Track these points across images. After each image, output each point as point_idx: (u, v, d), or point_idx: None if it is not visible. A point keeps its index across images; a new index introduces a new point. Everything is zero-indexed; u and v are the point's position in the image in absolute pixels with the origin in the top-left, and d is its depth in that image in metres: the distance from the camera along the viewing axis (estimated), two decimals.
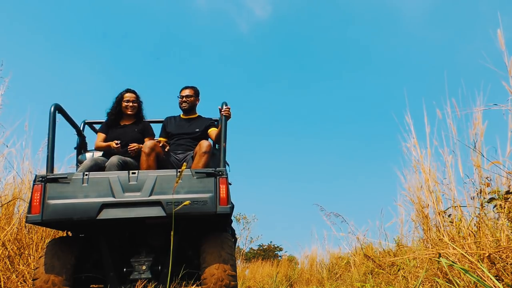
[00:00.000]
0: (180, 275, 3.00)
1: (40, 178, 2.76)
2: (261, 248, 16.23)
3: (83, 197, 2.74)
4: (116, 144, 3.32)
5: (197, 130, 3.73)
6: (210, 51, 18.03)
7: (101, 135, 3.60)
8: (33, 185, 2.75)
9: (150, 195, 2.78)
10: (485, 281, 1.84)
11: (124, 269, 3.11)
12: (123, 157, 3.25)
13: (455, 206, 3.02)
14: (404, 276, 3.42)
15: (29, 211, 2.70)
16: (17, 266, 3.68)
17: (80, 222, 2.76)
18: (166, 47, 17.52)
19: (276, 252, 16.41)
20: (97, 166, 3.17)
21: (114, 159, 3.16)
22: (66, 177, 2.80)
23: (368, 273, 4.80)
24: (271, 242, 16.60)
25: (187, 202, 2.24)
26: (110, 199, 2.76)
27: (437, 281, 2.59)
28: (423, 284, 2.84)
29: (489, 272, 2.08)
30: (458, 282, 2.31)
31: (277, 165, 16.87)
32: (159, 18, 17.33)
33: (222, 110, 3.31)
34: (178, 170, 2.95)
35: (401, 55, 17.26)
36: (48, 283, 2.77)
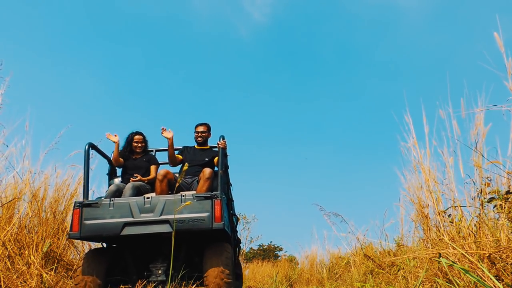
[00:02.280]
0: (179, 275, 3.58)
1: (78, 204, 3.52)
2: (261, 248, 16.24)
3: (110, 218, 3.46)
4: (133, 179, 4.23)
5: (206, 159, 4.40)
6: (209, 54, 18.03)
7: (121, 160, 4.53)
8: (73, 209, 3.51)
9: (161, 215, 3.47)
10: (485, 281, 1.85)
11: (145, 273, 3.77)
12: (136, 184, 4.08)
13: (455, 206, 3.02)
14: (404, 276, 3.42)
15: (70, 229, 3.47)
16: (17, 266, 3.68)
17: (108, 237, 3.52)
18: (165, 51, 17.52)
19: (276, 252, 16.41)
20: (119, 191, 3.98)
21: (129, 186, 3.99)
22: (97, 203, 3.53)
23: (368, 273, 4.81)
24: (271, 242, 16.62)
25: (188, 202, 2.71)
26: (130, 219, 3.47)
27: (437, 281, 2.59)
28: (423, 284, 2.84)
29: (489, 272, 2.08)
30: (458, 282, 2.31)
31: (277, 165, 16.87)
32: (159, 22, 17.33)
33: (220, 144, 4.02)
34: (182, 195, 3.58)
35: (401, 57, 17.27)
36: (85, 284, 3.50)
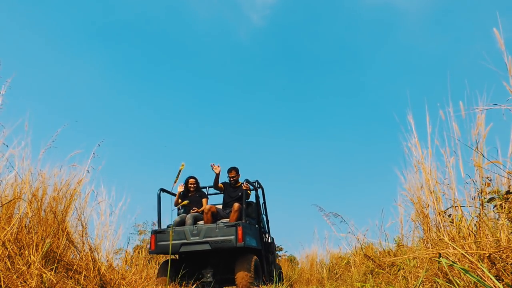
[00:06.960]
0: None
1: (154, 231, 5.59)
2: None
3: (173, 241, 5.32)
4: (193, 210, 6.20)
5: (239, 194, 6.05)
6: (208, 57, 18.04)
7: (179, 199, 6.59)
8: (151, 234, 5.59)
9: (203, 238, 5.34)
10: (485, 281, 1.85)
11: (199, 276, 5.57)
12: (194, 214, 5.95)
13: (455, 206, 3.02)
14: (404, 276, 3.42)
15: (150, 248, 5.55)
16: (17, 266, 3.68)
17: (172, 253, 5.62)
18: (165, 53, 17.53)
19: (276, 252, 16.37)
20: (182, 221, 5.87)
21: (189, 216, 5.87)
22: (164, 231, 5.61)
23: (368, 273, 4.81)
24: None
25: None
26: (184, 241, 5.41)
27: (437, 281, 2.59)
28: (423, 284, 2.84)
29: (489, 272, 2.08)
30: (458, 282, 2.31)
31: (277, 165, 16.87)
32: (158, 25, 17.33)
33: (243, 186, 5.83)
34: (217, 223, 5.45)
35: (402, 57, 17.27)
36: (161, 283, 5.26)
